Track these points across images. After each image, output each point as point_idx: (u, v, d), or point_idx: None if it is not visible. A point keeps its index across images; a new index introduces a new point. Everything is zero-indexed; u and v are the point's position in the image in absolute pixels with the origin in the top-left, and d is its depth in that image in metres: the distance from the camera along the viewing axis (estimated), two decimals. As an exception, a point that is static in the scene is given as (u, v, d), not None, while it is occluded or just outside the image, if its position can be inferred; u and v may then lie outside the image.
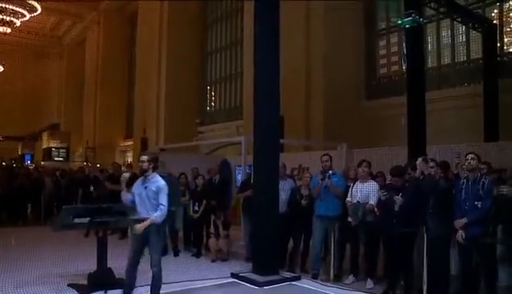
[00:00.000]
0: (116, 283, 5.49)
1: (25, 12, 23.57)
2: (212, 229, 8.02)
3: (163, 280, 5.06)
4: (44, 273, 6.55)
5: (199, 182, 8.43)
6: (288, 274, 6.56)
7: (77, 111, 31.17)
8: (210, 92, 21.29)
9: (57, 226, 6.24)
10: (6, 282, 6.03)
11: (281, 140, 8.87)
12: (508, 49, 11.78)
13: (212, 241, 7.93)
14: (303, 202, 6.75)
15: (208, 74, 21.28)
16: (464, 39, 12.54)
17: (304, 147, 12.67)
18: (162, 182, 4.94)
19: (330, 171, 6.42)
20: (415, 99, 7.96)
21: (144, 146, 19.17)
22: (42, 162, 28.35)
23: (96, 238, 5.91)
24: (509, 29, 11.80)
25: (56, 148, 30.58)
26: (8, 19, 23.52)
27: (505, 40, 11.78)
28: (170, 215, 7.41)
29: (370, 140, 11.66)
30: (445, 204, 5.16)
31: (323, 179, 6.38)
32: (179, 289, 5.88)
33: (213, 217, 8.05)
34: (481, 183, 4.92)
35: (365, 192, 6.05)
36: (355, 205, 6.05)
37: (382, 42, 14.63)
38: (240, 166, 10.22)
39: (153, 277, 4.88)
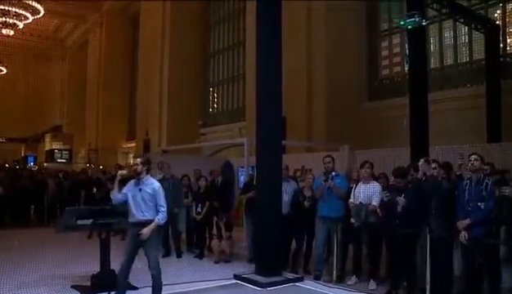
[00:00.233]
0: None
1: (28, 15, 23.61)
2: (214, 231, 8.01)
3: (166, 281, 5.06)
4: (47, 274, 6.57)
5: (201, 184, 8.42)
6: (291, 275, 6.55)
7: (79, 113, 31.32)
8: (213, 94, 21.29)
9: (60, 228, 6.25)
10: (9, 284, 6.04)
11: (283, 142, 8.85)
12: (511, 50, 11.75)
13: (214, 242, 7.93)
14: (306, 203, 6.75)
15: (210, 76, 21.27)
16: (466, 40, 12.51)
17: (306, 148, 12.65)
18: (157, 184, 4.98)
19: (333, 173, 6.41)
20: (418, 100, 7.94)
21: (146, 148, 19.10)
22: (45, 164, 28.47)
23: (99, 240, 5.94)
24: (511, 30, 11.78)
25: (58, 149, 30.75)
26: (11, 21, 23.57)
27: (508, 41, 11.77)
28: (173, 216, 7.51)
29: (372, 141, 11.62)
30: (447, 205, 5.15)
31: (326, 180, 6.37)
32: (182, 290, 5.88)
33: (215, 219, 8.03)
34: (484, 184, 4.90)
35: (367, 193, 6.04)
36: (358, 206, 6.04)
37: (384, 43, 14.62)
38: (242, 167, 10.21)
39: (153, 279, 4.88)
